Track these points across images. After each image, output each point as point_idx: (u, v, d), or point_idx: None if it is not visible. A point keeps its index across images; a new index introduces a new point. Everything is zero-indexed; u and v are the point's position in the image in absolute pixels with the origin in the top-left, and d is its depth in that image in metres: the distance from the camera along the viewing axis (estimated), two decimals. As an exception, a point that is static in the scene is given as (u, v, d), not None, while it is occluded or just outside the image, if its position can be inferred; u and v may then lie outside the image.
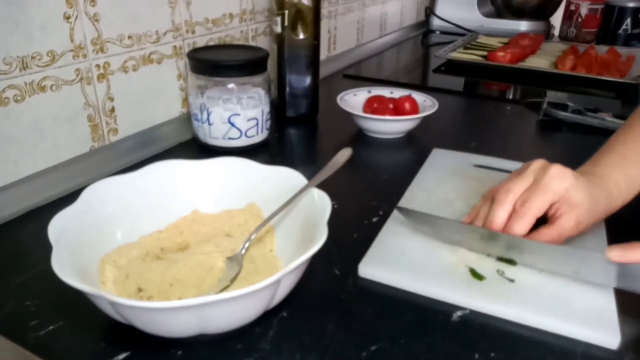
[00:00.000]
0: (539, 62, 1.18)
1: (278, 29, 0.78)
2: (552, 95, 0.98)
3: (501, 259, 0.47)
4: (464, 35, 1.47)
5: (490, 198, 0.49)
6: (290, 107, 0.84)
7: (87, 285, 0.33)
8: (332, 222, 0.41)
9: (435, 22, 1.66)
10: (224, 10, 0.81)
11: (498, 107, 0.95)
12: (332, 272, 0.47)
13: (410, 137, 0.79)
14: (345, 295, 0.44)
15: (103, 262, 0.42)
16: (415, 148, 0.77)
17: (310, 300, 0.43)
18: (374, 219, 0.55)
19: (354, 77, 1.14)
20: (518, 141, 0.80)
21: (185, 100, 0.78)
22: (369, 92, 0.85)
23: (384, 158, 0.74)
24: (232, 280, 0.42)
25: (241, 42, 0.87)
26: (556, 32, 1.62)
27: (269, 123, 0.75)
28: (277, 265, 0.45)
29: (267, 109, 0.73)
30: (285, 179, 0.50)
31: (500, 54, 1.18)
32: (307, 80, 0.82)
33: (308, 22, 0.78)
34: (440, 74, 1.20)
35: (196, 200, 0.51)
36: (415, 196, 0.58)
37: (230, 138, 0.71)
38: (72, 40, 0.59)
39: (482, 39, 1.43)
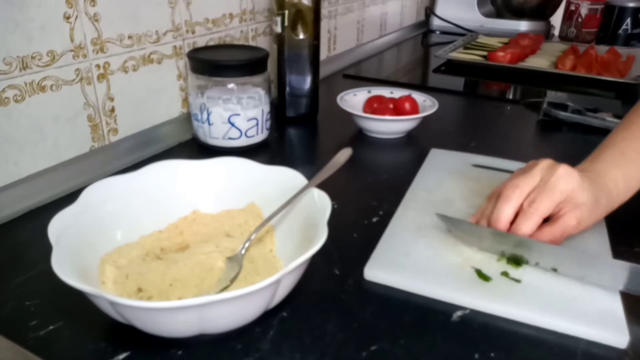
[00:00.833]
0: (539, 62, 1.18)
1: (278, 29, 0.78)
2: (552, 95, 0.98)
3: (512, 260, 0.47)
4: (464, 35, 1.47)
5: (496, 196, 0.49)
6: (290, 107, 0.84)
7: (87, 285, 0.33)
8: (332, 222, 0.41)
9: (435, 22, 1.66)
10: (224, 10, 0.81)
11: (498, 107, 0.95)
12: (332, 272, 0.47)
13: (410, 137, 0.79)
14: (345, 295, 0.44)
15: (103, 262, 0.42)
16: (415, 148, 0.77)
17: (310, 300, 0.43)
18: (374, 219, 0.55)
19: (354, 77, 1.14)
20: (518, 141, 0.80)
21: (185, 100, 0.78)
22: (369, 92, 0.85)
23: (384, 158, 0.74)
24: (232, 280, 0.42)
25: (241, 42, 0.87)
26: (556, 32, 1.62)
27: (269, 123, 0.75)
28: (277, 265, 0.45)
29: (267, 109, 0.73)
30: (285, 179, 0.50)
31: (500, 54, 1.18)
32: (307, 80, 0.82)
33: (308, 22, 0.78)
34: (440, 74, 1.20)
35: (196, 200, 0.51)
36: (416, 196, 0.58)
37: (230, 138, 0.71)
38: (72, 40, 0.59)
39: (482, 39, 1.43)
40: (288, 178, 0.49)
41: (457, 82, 1.14)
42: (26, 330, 0.39)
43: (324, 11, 1.09)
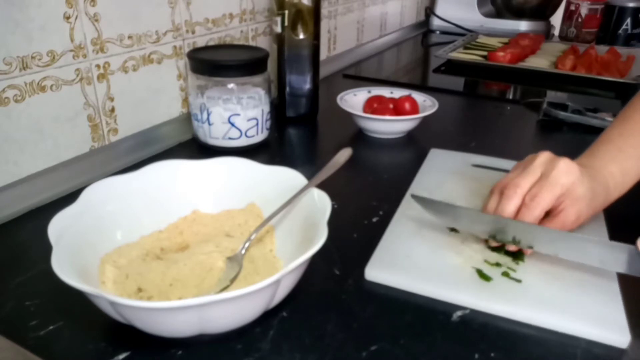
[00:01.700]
0: (539, 62, 1.18)
1: (278, 29, 0.78)
2: (552, 95, 0.98)
3: (510, 254, 0.47)
4: (464, 35, 1.47)
5: (498, 192, 0.50)
6: (290, 107, 0.84)
7: (87, 285, 0.33)
8: (332, 222, 0.41)
9: (435, 22, 1.66)
10: (224, 10, 0.81)
11: (498, 107, 0.95)
12: (332, 272, 0.47)
13: (410, 137, 0.79)
14: (345, 295, 0.44)
15: (103, 262, 0.42)
16: (415, 148, 0.77)
17: (310, 300, 0.43)
18: (374, 219, 0.55)
19: (354, 77, 1.14)
20: (518, 141, 0.80)
21: (185, 100, 0.78)
22: (369, 92, 0.85)
23: (384, 158, 0.74)
24: (232, 280, 0.42)
25: (241, 42, 0.87)
26: (556, 32, 1.62)
27: (269, 123, 0.75)
28: (277, 265, 0.45)
29: (267, 109, 0.73)
30: (285, 179, 0.50)
31: (500, 54, 1.18)
32: (307, 80, 0.82)
33: (308, 22, 0.78)
34: (440, 74, 1.20)
35: (196, 200, 0.51)
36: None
37: (230, 138, 0.71)
38: (72, 40, 0.59)
39: (482, 39, 1.43)
40: (288, 178, 0.49)
41: (457, 82, 1.14)
42: (26, 330, 0.39)
43: (324, 11, 1.09)
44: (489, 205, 0.50)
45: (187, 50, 0.74)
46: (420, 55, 1.47)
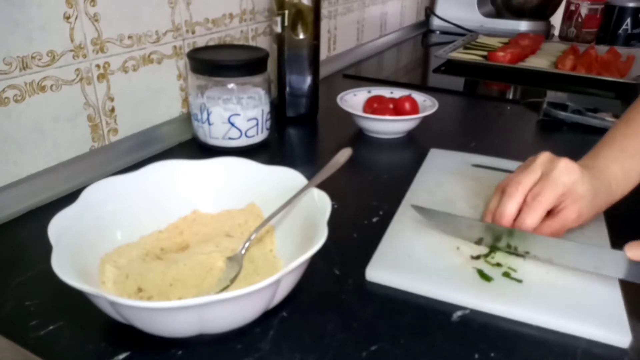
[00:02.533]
0: (539, 62, 1.18)
1: (278, 29, 0.78)
2: (552, 95, 0.98)
3: (514, 253, 0.47)
4: (464, 35, 1.47)
5: (500, 191, 0.50)
6: (290, 107, 0.84)
7: (87, 285, 0.33)
8: (332, 222, 0.41)
9: (435, 22, 1.66)
10: (224, 10, 0.81)
11: (498, 107, 0.95)
12: (332, 272, 0.47)
13: (410, 137, 0.79)
14: (345, 295, 0.44)
15: (103, 262, 0.42)
16: (415, 148, 0.77)
17: (310, 300, 0.43)
18: (374, 219, 0.55)
19: (354, 77, 1.14)
20: (518, 141, 0.80)
21: (185, 100, 0.78)
22: (369, 92, 0.85)
23: (384, 158, 0.74)
24: (232, 280, 0.42)
25: (241, 42, 0.87)
26: (556, 32, 1.62)
27: (269, 123, 0.75)
28: (277, 265, 0.45)
29: (267, 109, 0.73)
30: (285, 179, 0.50)
31: (500, 54, 1.18)
32: (307, 80, 0.82)
33: (308, 22, 0.78)
34: (440, 74, 1.20)
35: (196, 200, 0.51)
36: (416, 197, 0.58)
37: (230, 138, 0.71)
38: (72, 40, 0.59)
39: (482, 39, 1.43)
40: (288, 178, 0.49)
41: (457, 82, 1.14)
42: (26, 330, 0.39)
43: (324, 11, 1.09)
44: (491, 205, 0.50)
45: (187, 50, 0.74)
46: (420, 55, 1.47)
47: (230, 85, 0.70)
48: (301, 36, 0.79)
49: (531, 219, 0.46)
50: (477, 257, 0.47)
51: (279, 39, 0.79)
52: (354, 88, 0.86)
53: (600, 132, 0.77)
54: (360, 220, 0.55)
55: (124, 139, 0.68)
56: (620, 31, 1.42)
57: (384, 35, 1.46)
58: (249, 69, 0.70)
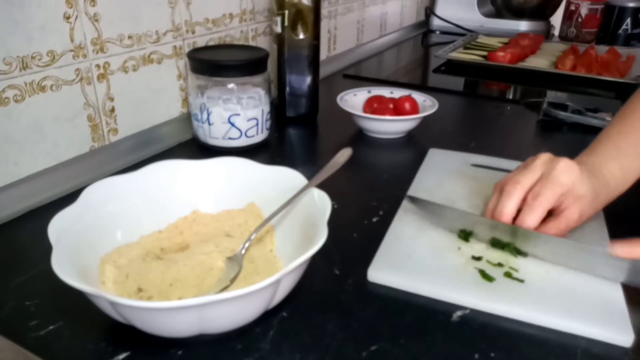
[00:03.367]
0: (539, 62, 1.18)
1: (278, 29, 0.78)
2: (552, 95, 0.98)
3: (511, 250, 0.47)
4: (464, 35, 1.47)
5: (498, 190, 0.50)
6: (290, 107, 0.84)
7: (87, 285, 0.33)
8: (332, 222, 0.41)
9: (435, 22, 1.66)
10: (224, 10, 0.81)
11: (498, 107, 0.95)
12: (332, 272, 0.47)
13: (410, 137, 0.79)
14: (345, 295, 0.44)
15: (103, 262, 0.42)
16: (415, 148, 0.77)
17: (310, 300, 0.43)
18: (374, 219, 0.55)
19: (354, 77, 1.14)
20: (518, 141, 0.80)
21: (185, 100, 0.78)
22: (369, 92, 0.85)
23: (384, 158, 0.74)
24: (232, 280, 0.42)
25: (241, 42, 0.87)
26: (556, 32, 1.62)
27: (269, 123, 0.75)
28: (277, 265, 0.45)
29: (267, 109, 0.73)
30: (285, 179, 0.50)
31: (500, 54, 1.18)
32: (307, 80, 0.82)
33: (308, 22, 0.78)
34: (440, 74, 1.20)
35: (196, 200, 0.51)
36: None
37: (230, 138, 0.71)
38: (72, 40, 0.59)
39: (482, 39, 1.43)
40: (288, 178, 0.49)
41: (457, 82, 1.14)
42: (26, 330, 0.39)
43: (324, 11, 1.09)
44: (490, 204, 0.50)
45: (187, 50, 0.74)
46: (420, 55, 1.47)
47: (230, 85, 0.70)
48: (301, 36, 0.79)
49: (531, 218, 0.46)
50: (479, 258, 0.47)
51: (279, 39, 0.79)
52: (354, 88, 0.86)
53: (600, 132, 0.77)
54: (360, 220, 0.55)
55: (124, 139, 0.68)
56: (620, 31, 1.42)
57: (384, 35, 1.46)
58: (249, 69, 0.70)
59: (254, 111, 0.70)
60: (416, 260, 0.47)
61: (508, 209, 0.47)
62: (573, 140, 0.80)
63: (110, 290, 0.40)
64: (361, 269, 0.46)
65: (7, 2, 0.51)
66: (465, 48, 1.32)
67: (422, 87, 1.04)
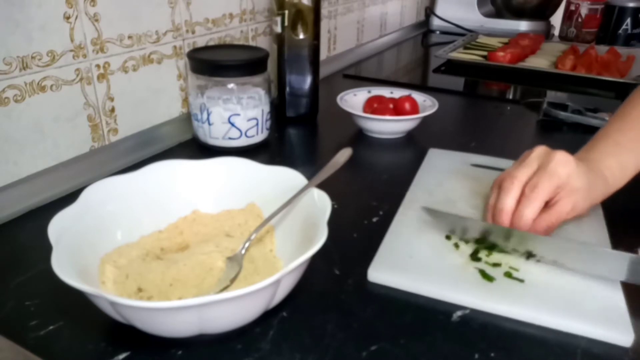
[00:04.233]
0: (539, 62, 1.18)
1: (278, 29, 0.78)
2: (552, 95, 0.98)
3: (523, 254, 0.47)
4: (464, 35, 1.47)
5: (497, 186, 0.50)
6: (290, 107, 0.84)
7: (87, 285, 0.33)
8: (332, 222, 0.41)
9: (435, 22, 1.66)
10: (224, 10, 0.81)
11: (498, 107, 0.95)
12: (332, 272, 0.47)
13: (410, 137, 0.79)
14: (346, 295, 0.44)
15: (103, 262, 0.42)
16: (415, 148, 0.77)
17: (310, 300, 0.43)
18: (374, 219, 0.55)
19: (354, 77, 1.14)
20: (518, 141, 0.80)
21: (185, 100, 0.78)
22: (369, 92, 0.85)
23: (384, 158, 0.74)
24: (232, 280, 0.42)
25: (241, 42, 0.87)
26: (556, 32, 1.62)
27: (269, 123, 0.75)
28: (277, 265, 0.45)
29: (267, 109, 0.73)
30: (285, 179, 0.50)
31: (500, 54, 1.18)
32: (307, 80, 0.82)
33: (308, 22, 0.78)
34: (440, 74, 1.20)
35: (196, 200, 0.51)
36: (416, 197, 0.58)
37: (230, 138, 0.71)
38: (72, 40, 0.59)
39: (482, 39, 1.43)
40: (288, 178, 0.49)
41: (457, 82, 1.14)
42: (26, 330, 0.39)
43: (324, 11, 1.09)
44: (490, 200, 0.50)
45: (187, 50, 0.74)
46: (420, 55, 1.47)
47: (230, 85, 0.70)
48: (301, 36, 0.79)
49: (530, 210, 0.46)
50: (479, 259, 0.47)
51: (279, 39, 0.79)
52: (354, 88, 0.86)
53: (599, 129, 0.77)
54: (360, 220, 0.55)
55: (124, 139, 0.68)
56: (620, 31, 1.42)
57: (384, 35, 1.46)
58: (249, 69, 0.70)
59: (254, 111, 0.70)
60: (416, 260, 0.47)
61: (507, 206, 0.47)
62: (573, 140, 0.80)
63: (110, 290, 0.40)
64: (361, 269, 0.46)
65: (7, 2, 0.51)
66: (465, 48, 1.32)
67: (422, 87, 1.04)
